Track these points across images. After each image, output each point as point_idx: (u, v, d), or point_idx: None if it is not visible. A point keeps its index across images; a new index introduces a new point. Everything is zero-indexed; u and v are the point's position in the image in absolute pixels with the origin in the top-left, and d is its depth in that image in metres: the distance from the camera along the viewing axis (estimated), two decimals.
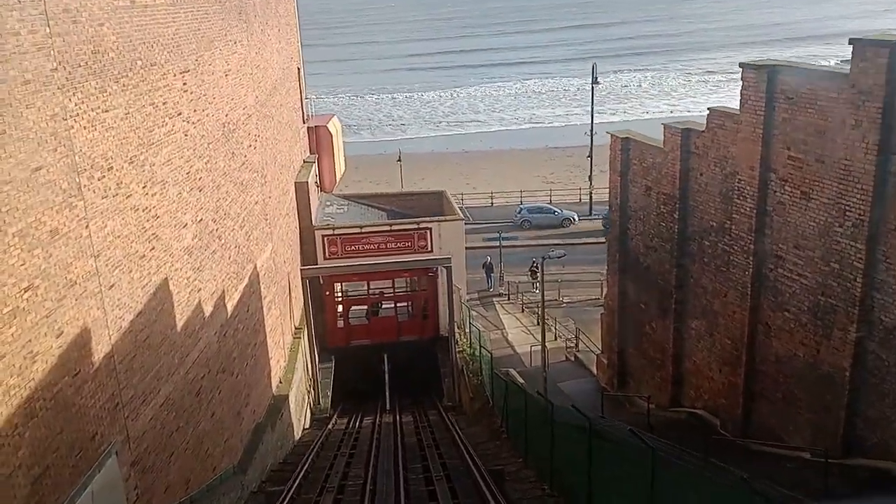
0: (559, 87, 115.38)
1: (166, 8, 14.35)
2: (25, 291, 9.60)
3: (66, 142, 10.72)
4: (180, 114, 14.90)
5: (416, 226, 29.51)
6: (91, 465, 11.04)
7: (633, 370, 22.40)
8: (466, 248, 32.17)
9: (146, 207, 13.24)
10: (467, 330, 28.62)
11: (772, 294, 15.96)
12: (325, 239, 28.99)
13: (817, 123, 14.06)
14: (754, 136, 15.51)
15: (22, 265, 9.55)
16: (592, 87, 49.39)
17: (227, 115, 18.03)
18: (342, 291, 30.78)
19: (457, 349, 27.25)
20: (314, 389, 26.73)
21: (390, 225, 29.74)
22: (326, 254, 29.02)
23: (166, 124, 14.18)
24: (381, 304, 31.08)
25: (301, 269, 25.96)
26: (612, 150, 21.41)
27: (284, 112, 26.74)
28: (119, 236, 12.21)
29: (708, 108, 17.39)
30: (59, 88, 10.55)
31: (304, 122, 31.75)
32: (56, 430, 10.12)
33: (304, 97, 32.08)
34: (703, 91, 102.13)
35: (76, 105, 11.07)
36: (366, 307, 30.77)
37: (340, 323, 30.03)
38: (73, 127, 10.92)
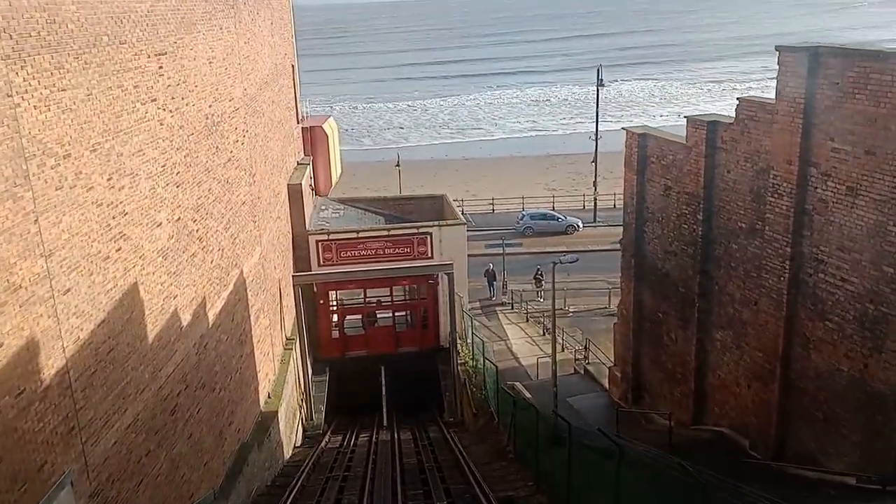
0: (560, 95, 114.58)
1: None
2: None
3: (10, 121, 9.16)
4: (155, 100, 13.35)
5: (415, 231, 27.96)
6: (38, 499, 9.43)
7: (649, 384, 20.80)
8: (468, 255, 30.61)
9: (112, 202, 11.67)
10: (469, 340, 27.02)
11: (811, 302, 14.39)
12: (320, 244, 27.42)
13: (867, 111, 12.54)
14: (792, 127, 13.99)
15: None
16: (598, 90, 48.00)
17: (210, 107, 16.49)
18: (337, 300, 29.19)
19: (458, 361, 25.66)
20: (306, 404, 25.10)
21: (388, 230, 28.20)
22: (321, 260, 27.45)
23: (137, 110, 12.63)
24: (377, 314, 29.50)
25: (293, 276, 24.38)
26: (628, 146, 19.89)
27: (277, 110, 25.22)
28: (77, 234, 10.63)
29: (738, 98, 15.87)
30: (1, 59, 9.00)
31: (298, 123, 30.24)
32: None
33: (298, 96, 30.59)
34: (707, 99, 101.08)
35: (25, 80, 9.52)
36: (362, 316, 29.19)
37: (335, 333, 28.46)
38: (19, 105, 9.36)
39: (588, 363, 26.01)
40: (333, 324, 28.54)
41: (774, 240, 14.90)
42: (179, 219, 14.37)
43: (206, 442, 15.38)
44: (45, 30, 10.00)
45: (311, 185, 30.02)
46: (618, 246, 42.57)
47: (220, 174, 17.08)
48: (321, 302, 27.69)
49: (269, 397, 20.76)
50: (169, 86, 14.03)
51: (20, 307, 9.26)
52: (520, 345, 29.94)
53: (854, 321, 13.42)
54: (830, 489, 14.08)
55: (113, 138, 11.76)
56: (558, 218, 48.02)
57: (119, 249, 11.87)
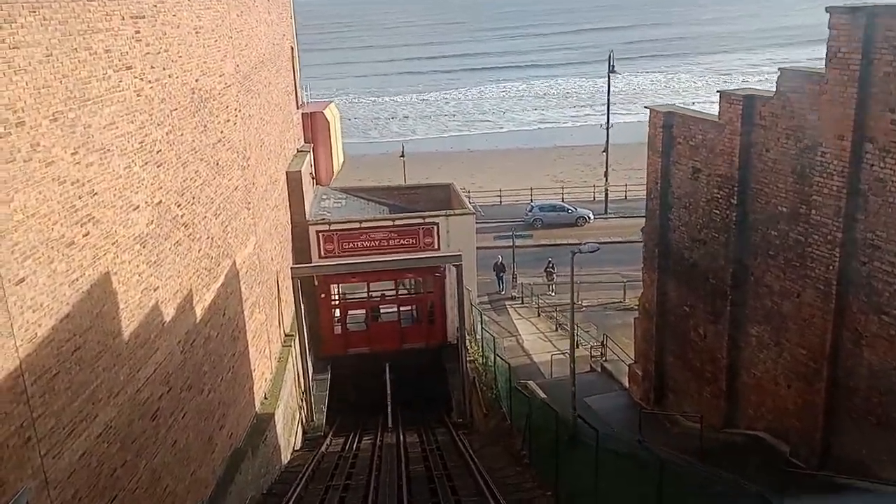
0: (567, 88, 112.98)
1: None
2: None
3: None
4: (131, 68, 11.90)
5: (421, 220, 26.49)
6: None
7: (674, 383, 19.32)
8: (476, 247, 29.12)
9: (78, 180, 10.24)
10: (478, 336, 25.57)
11: (864, 293, 12.90)
12: (321, 235, 25.98)
13: None
14: (845, 98, 12.48)
15: None
16: (609, 77, 46.46)
17: (197, 81, 15.04)
18: (339, 294, 27.77)
19: (468, 358, 24.20)
20: (306, 404, 23.68)
21: (393, 220, 26.74)
22: (322, 252, 26.02)
23: (109, 77, 11.18)
24: (381, 309, 28.08)
25: (292, 269, 22.94)
26: (652, 126, 18.39)
27: (274, 92, 23.76)
28: (34, 215, 9.20)
29: (779, 69, 14.34)
30: None
31: (298, 108, 28.78)
32: None
33: (298, 81, 29.12)
34: (717, 91, 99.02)
35: None
36: (365, 311, 27.75)
37: (337, 329, 27.05)
38: None
39: (605, 360, 24.53)
40: (335, 319, 27.13)
41: (822, 224, 13.40)
42: (161, 202, 12.93)
43: (192, 449, 13.96)
44: None
45: (311, 174, 28.58)
46: (631, 238, 41.28)
47: (209, 156, 15.64)
48: (322, 296, 26.27)
49: (265, 398, 19.35)
50: (147, 53, 12.58)
51: None
52: (531, 341, 28.48)
53: None
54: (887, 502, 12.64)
55: (79, 107, 10.32)
56: (568, 209, 46.49)
57: (87, 234, 10.44)
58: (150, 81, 12.68)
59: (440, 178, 54.88)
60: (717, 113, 16.34)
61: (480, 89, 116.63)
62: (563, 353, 25.44)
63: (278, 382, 20.39)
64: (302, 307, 24.02)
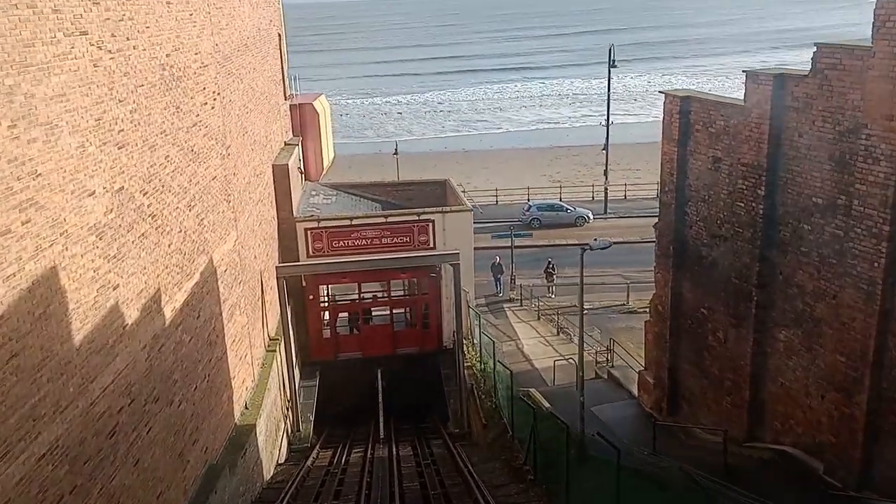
0: (563, 89, 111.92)
1: None
2: None
3: None
4: (86, 33, 10.39)
5: (416, 217, 24.97)
6: None
7: (689, 392, 17.88)
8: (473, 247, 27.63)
9: (16, 158, 8.72)
10: (476, 341, 24.07)
11: None
12: (309, 233, 24.44)
13: None
14: (895, 73, 11.07)
15: None
16: (609, 71, 45.17)
17: (168, 56, 13.53)
18: (328, 295, 26.24)
19: (465, 364, 22.70)
20: (292, 413, 22.14)
21: (386, 216, 25.21)
22: (310, 250, 24.48)
23: (59, 42, 9.67)
24: (373, 311, 26.58)
25: (277, 268, 21.39)
26: (667, 113, 16.96)
27: (259, 80, 22.26)
28: None
29: (815, 43, 12.92)
30: None
31: (286, 99, 27.26)
32: None
33: (286, 70, 27.60)
34: (716, 91, 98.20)
35: None
36: (356, 314, 26.22)
37: (326, 333, 25.50)
38: None
39: (612, 367, 23.06)
40: (324, 322, 25.59)
41: (866, 216, 11.99)
42: (123, 188, 11.41)
43: (160, 468, 12.42)
44: None
45: (299, 168, 27.05)
46: (632, 238, 39.86)
47: (183, 140, 14.12)
48: (310, 297, 24.73)
49: (245, 408, 17.80)
50: (108, 20, 11.07)
51: None
52: (532, 345, 27.00)
53: None
54: None
55: (19, 73, 8.80)
56: (567, 209, 45.07)
57: (27, 222, 8.92)
58: (110, 52, 11.16)
59: (434, 176, 53.55)
60: (739, 97, 14.94)
61: (475, 90, 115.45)
62: (566, 359, 24.00)
63: (261, 390, 18.85)
64: (288, 309, 22.52)
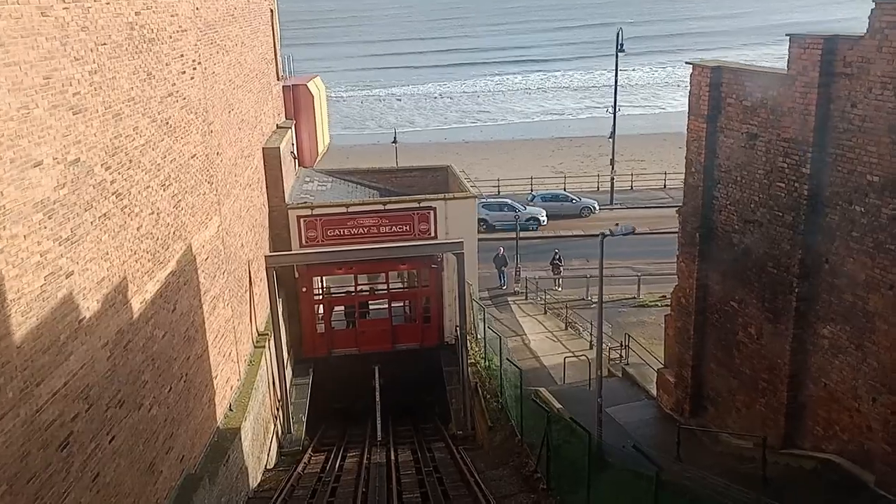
0: (565, 81, 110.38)
1: None
2: None
3: None
4: None
5: (416, 205, 23.45)
6: None
7: (715, 393, 16.35)
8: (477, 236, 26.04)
9: None
10: (480, 336, 22.55)
11: None
12: (302, 221, 22.90)
13: None
14: None
15: None
16: (616, 56, 43.51)
17: (138, 15, 11.94)
18: (323, 288, 24.71)
19: (468, 361, 21.18)
20: (283, 414, 20.61)
21: (384, 203, 23.67)
22: (303, 239, 22.94)
23: None
24: (370, 305, 25.05)
25: (266, 257, 19.83)
26: (695, 86, 15.39)
27: (249, 55, 20.68)
28: None
29: (875, 1, 11.34)
30: None
31: (278, 79, 25.66)
32: None
33: (279, 49, 25.98)
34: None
35: None
36: (352, 307, 24.68)
37: (320, 327, 23.97)
38: None
39: (627, 364, 21.53)
40: (318, 316, 24.05)
41: None
42: (79, 160, 9.83)
43: (125, 482, 10.87)
44: None
45: (292, 153, 25.49)
46: (640, 230, 38.26)
47: (156, 111, 12.53)
48: (304, 290, 23.20)
49: (230, 409, 16.27)
50: None
51: None
52: (539, 341, 25.48)
53: None
54: None
55: None
56: (572, 199, 43.53)
57: None
58: (65, 4, 9.58)
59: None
60: (775, 66, 13.37)
61: (475, 82, 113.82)
62: (576, 356, 22.48)
63: (247, 390, 17.31)
64: (280, 303, 21.00)
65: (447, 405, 22.31)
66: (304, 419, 21.43)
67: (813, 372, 13.43)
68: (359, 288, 24.30)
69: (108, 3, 10.85)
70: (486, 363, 21.00)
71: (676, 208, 16.89)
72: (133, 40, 11.72)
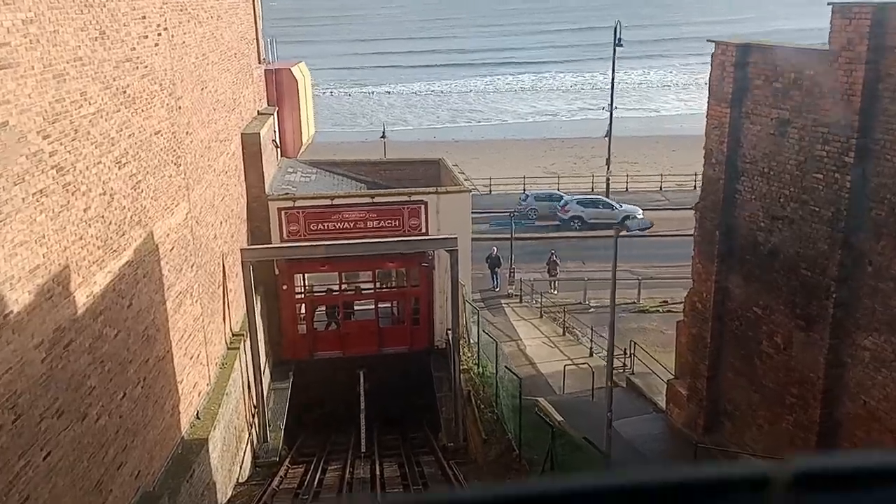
0: (555, 82, 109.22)
1: None
2: None
3: None
4: None
5: (406, 198, 21.86)
6: None
7: (734, 408, 14.88)
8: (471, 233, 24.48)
9: None
10: (474, 341, 20.98)
11: None
12: (283, 213, 21.26)
13: None
14: None
15: None
16: (614, 50, 42.20)
17: None
18: (305, 286, 23.08)
19: (461, 367, 19.62)
20: (259, 421, 18.96)
21: (372, 196, 22.09)
22: (285, 233, 21.31)
23: None
24: (356, 305, 23.46)
25: (242, 251, 18.19)
26: (717, 66, 13.95)
27: (225, 32, 19.06)
28: None
29: None
30: None
31: (259, 63, 24.02)
32: None
33: (260, 30, 24.34)
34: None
35: None
36: (336, 307, 23.07)
37: (302, 328, 22.33)
38: None
39: (632, 373, 20.04)
40: (300, 316, 22.42)
41: None
42: (7, 124, 8.21)
43: None
44: None
45: (274, 141, 23.85)
46: (638, 231, 36.94)
47: (110, 77, 10.91)
48: (284, 287, 21.55)
49: (197, 418, 14.63)
50: None
51: None
52: (535, 347, 23.95)
53: None
54: None
55: None
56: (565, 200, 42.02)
57: None
58: None
59: None
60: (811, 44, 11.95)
61: (467, 82, 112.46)
62: (576, 364, 20.97)
63: (218, 396, 15.67)
64: (258, 301, 19.37)
65: (437, 413, 20.73)
66: (283, 427, 19.80)
67: (851, 387, 11.99)
68: (343, 287, 22.69)
69: None
70: (480, 370, 19.45)
71: (694, 204, 15.42)
72: None
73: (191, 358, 14.39)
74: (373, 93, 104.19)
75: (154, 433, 12.40)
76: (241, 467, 17.15)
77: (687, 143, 69.19)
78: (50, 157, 9.11)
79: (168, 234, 13.20)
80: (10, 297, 8.24)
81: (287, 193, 21.77)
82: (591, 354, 22.65)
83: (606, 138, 46.58)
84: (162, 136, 12.98)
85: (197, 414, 14.66)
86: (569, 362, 20.99)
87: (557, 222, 39.21)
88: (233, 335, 18.19)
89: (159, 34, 12.98)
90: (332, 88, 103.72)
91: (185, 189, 14.23)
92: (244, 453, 17.58)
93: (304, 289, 22.98)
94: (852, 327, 11.85)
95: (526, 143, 71.84)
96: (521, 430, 15.39)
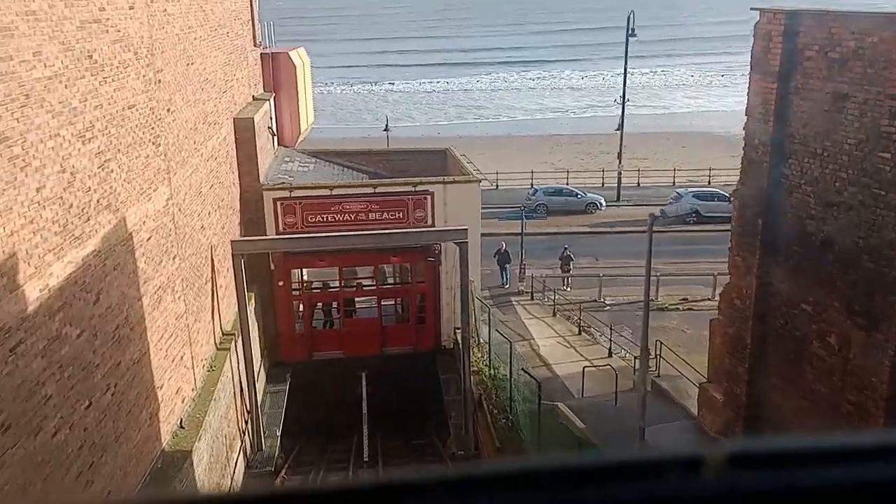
0: (561, 81, 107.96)
1: None
2: None
3: None
4: None
5: (411, 188, 20.40)
6: None
7: (777, 415, 13.38)
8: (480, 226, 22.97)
9: None
10: (485, 341, 19.52)
11: None
12: (279, 204, 19.81)
13: None
14: None
15: None
16: (627, 40, 40.58)
17: None
18: (302, 282, 21.64)
19: (471, 368, 18.15)
20: (253, 427, 17.52)
21: (374, 186, 20.63)
22: (281, 225, 19.86)
23: None
24: (357, 302, 22.04)
25: (232, 242, 16.72)
26: (762, 36, 12.45)
27: (216, 7, 17.62)
28: None
29: None
30: None
31: (255, 45, 22.58)
32: None
33: (256, 12, 22.87)
34: (720, 84, 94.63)
35: None
36: (336, 305, 21.64)
37: (299, 327, 20.92)
38: None
39: (658, 375, 18.53)
40: (298, 314, 20.99)
41: None
42: None
43: None
44: None
45: (270, 128, 22.41)
46: (658, 227, 35.41)
47: (72, 38, 9.45)
48: (280, 284, 20.14)
49: (180, 427, 13.18)
50: None
51: None
52: (549, 347, 22.44)
53: None
54: None
55: None
56: (577, 194, 40.60)
57: None
58: None
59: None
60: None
61: (472, 80, 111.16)
62: (595, 366, 19.48)
63: (205, 402, 14.21)
64: (252, 299, 17.94)
65: (445, 418, 19.28)
66: (279, 433, 18.37)
67: None
68: (344, 283, 21.25)
69: None
70: (492, 372, 17.98)
71: (732, 191, 13.93)
72: None
73: (172, 360, 12.94)
74: (377, 90, 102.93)
75: (128, 447, 10.96)
76: (231, 479, 15.70)
77: (696, 139, 68.01)
78: None
79: (144, 222, 11.74)
80: None
81: (283, 183, 20.31)
82: (609, 355, 21.16)
83: (618, 131, 44.97)
84: (137, 110, 11.52)
85: (180, 422, 13.21)
86: (587, 364, 19.49)
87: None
88: (223, 335, 16.75)
89: None
90: (335, 85, 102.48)
91: (166, 172, 12.77)
92: (235, 463, 16.13)
93: (302, 285, 21.53)
94: None
95: (532, 139, 70.56)
96: (539, 439, 13.94)
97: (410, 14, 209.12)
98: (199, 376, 14.59)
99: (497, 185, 46.99)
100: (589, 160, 59.04)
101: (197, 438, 13.12)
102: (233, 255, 16.39)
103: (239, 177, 19.31)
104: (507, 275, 29.40)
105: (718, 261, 21.75)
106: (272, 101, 23.15)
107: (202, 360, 14.87)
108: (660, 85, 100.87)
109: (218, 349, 16.13)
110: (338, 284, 21.11)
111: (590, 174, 48.33)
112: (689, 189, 38.49)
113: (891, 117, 10.33)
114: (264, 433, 17.96)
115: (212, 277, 15.97)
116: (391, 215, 20.29)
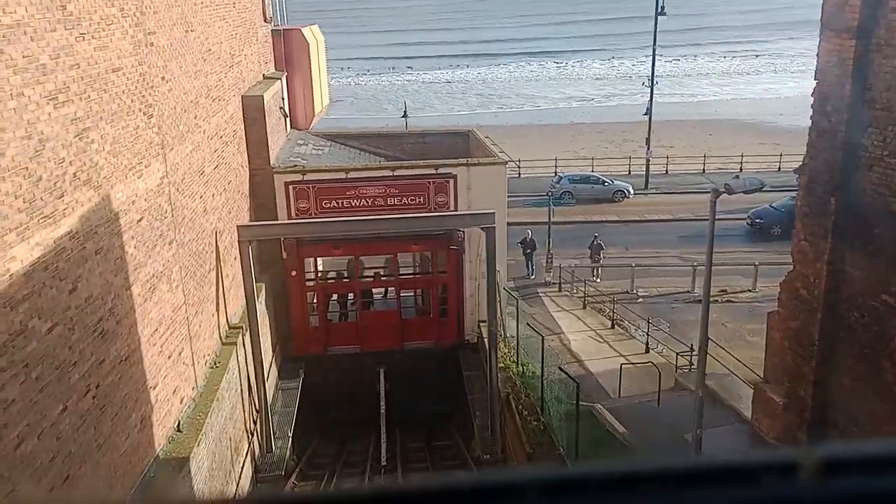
0: (583, 70, 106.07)
1: None
2: None
3: None
4: None
5: (433, 171, 18.96)
6: None
7: (849, 419, 11.82)
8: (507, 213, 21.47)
9: None
10: (509, 334, 18.08)
11: None
12: (291, 188, 18.46)
13: None
14: None
15: None
16: (656, 20, 38.82)
17: None
18: (317, 271, 20.30)
19: (497, 365, 16.71)
20: (262, 428, 16.21)
21: (392, 169, 19.20)
22: (293, 211, 18.53)
23: None
24: (375, 293, 20.68)
25: (239, 228, 15.37)
26: None
27: None
28: None
29: None
30: None
31: (265, 21, 21.20)
32: None
33: None
34: (747, 71, 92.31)
35: None
36: (352, 296, 20.30)
37: (314, 320, 19.60)
38: None
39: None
40: (312, 305, 19.68)
41: None
42: None
43: None
44: None
45: (281, 109, 21.05)
46: (681, 216, 33.79)
47: None
48: (293, 274, 18.80)
49: (178, 430, 11.87)
50: None
51: None
52: (581, 341, 20.91)
53: None
54: None
55: None
56: (604, 181, 38.94)
57: None
58: None
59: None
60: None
61: (492, 70, 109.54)
62: (633, 363, 17.91)
63: (207, 402, 12.89)
64: (259, 289, 16.61)
65: (469, 418, 17.87)
66: (291, 434, 17.06)
67: None
68: (361, 272, 19.89)
69: None
70: (521, 368, 16.53)
71: (796, 168, 12.34)
72: None
73: (168, 357, 11.61)
74: (397, 80, 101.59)
75: (113, 455, 9.64)
76: (237, 485, 14.40)
77: (723, 127, 65.98)
78: None
79: (134, 201, 10.39)
80: None
81: (296, 166, 18.95)
82: (647, 350, 19.61)
83: (645, 116, 43.19)
84: (124, 75, 10.16)
85: (178, 426, 11.89)
86: (624, 360, 17.93)
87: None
88: (230, 328, 15.43)
89: None
90: (355, 75, 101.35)
91: (160, 147, 11.42)
92: (242, 468, 14.83)
93: (317, 275, 20.20)
94: None
95: (552, 127, 69.15)
96: (577, 444, 12.49)
97: (429, 5, 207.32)
98: (201, 374, 13.27)
99: (520, 173, 45.50)
100: (613, 148, 57.44)
101: (196, 443, 11.80)
102: (239, 241, 15.04)
103: (248, 159, 17.98)
104: (533, 265, 27.88)
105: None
106: (284, 80, 21.79)
107: (204, 357, 13.54)
108: (685, 73, 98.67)
109: (223, 344, 14.81)
110: (355, 273, 19.74)
111: (615, 161, 46.65)
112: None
113: None
114: (275, 434, 16.68)
115: (217, 266, 14.65)
116: (411, 200, 18.88)
